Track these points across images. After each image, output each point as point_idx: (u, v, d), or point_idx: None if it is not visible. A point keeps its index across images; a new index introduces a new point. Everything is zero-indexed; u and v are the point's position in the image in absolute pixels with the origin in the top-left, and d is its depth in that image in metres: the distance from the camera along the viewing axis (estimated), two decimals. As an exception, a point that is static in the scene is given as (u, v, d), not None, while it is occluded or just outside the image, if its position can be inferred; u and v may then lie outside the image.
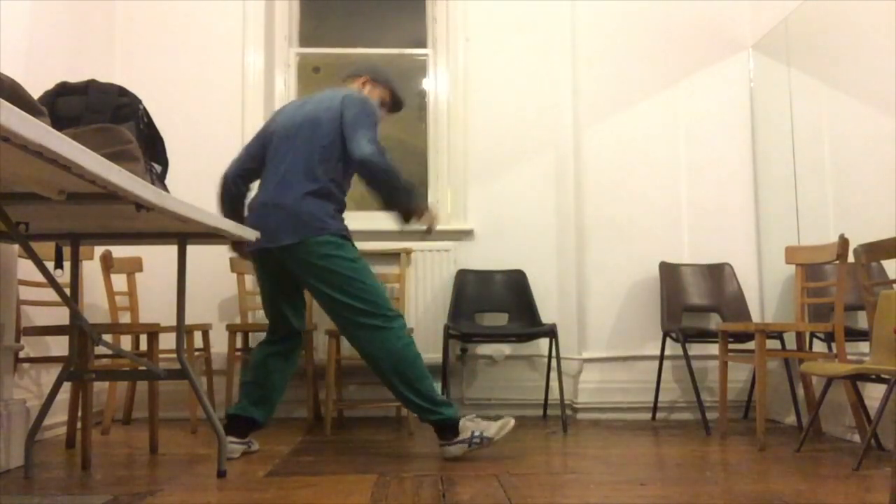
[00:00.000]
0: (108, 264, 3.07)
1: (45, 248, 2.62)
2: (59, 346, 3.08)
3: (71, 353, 2.28)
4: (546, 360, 3.53)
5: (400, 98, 2.80)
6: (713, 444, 2.72)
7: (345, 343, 3.38)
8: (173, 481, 2.10)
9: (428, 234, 2.56)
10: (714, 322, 3.50)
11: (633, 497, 1.89)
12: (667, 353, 3.39)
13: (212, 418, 2.21)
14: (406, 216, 2.47)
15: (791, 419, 3.23)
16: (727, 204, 3.61)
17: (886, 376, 2.23)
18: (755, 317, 3.49)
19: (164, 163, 2.17)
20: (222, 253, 3.54)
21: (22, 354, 2.69)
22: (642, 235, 3.58)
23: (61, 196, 1.58)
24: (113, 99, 2.02)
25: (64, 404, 2.96)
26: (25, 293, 2.77)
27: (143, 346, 3.24)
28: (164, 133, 2.22)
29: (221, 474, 2.16)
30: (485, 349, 3.61)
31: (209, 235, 2.23)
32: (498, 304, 3.56)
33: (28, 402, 2.50)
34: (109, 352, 2.45)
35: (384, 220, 3.77)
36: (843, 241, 2.66)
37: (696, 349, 3.42)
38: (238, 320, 3.52)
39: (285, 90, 3.89)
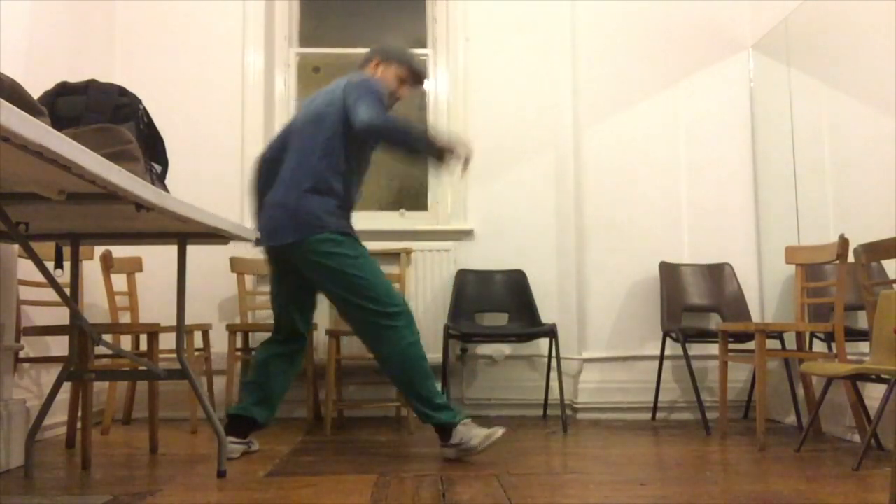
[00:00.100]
0: (108, 264, 3.07)
1: (45, 248, 2.63)
2: (59, 346, 3.08)
3: (71, 353, 2.28)
4: (546, 360, 3.53)
5: (419, 70, 2.70)
6: (713, 444, 2.72)
7: (345, 343, 3.39)
8: (173, 481, 2.10)
9: (466, 165, 2.46)
10: (714, 322, 3.50)
11: (633, 497, 1.89)
12: (667, 353, 3.39)
13: (212, 418, 2.22)
14: (439, 158, 2.40)
15: (791, 419, 3.23)
16: (727, 204, 3.61)
17: (886, 376, 2.23)
18: (755, 317, 3.49)
19: (164, 163, 2.17)
20: (222, 253, 3.54)
21: (22, 354, 2.69)
22: (642, 235, 3.58)
23: (61, 196, 1.58)
24: (113, 99, 2.02)
25: (64, 404, 2.96)
26: (25, 293, 2.77)
27: (143, 346, 3.24)
28: (164, 133, 2.22)
29: (221, 474, 2.16)
30: (485, 349, 3.61)
31: (209, 235, 2.24)
32: (498, 304, 3.56)
33: (28, 402, 2.50)
34: (109, 352, 2.45)
35: (384, 220, 3.79)
36: (843, 241, 2.66)
37: (696, 349, 3.42)
38: (238, 320, 3.52)
39: (285, 90, 3.89)
